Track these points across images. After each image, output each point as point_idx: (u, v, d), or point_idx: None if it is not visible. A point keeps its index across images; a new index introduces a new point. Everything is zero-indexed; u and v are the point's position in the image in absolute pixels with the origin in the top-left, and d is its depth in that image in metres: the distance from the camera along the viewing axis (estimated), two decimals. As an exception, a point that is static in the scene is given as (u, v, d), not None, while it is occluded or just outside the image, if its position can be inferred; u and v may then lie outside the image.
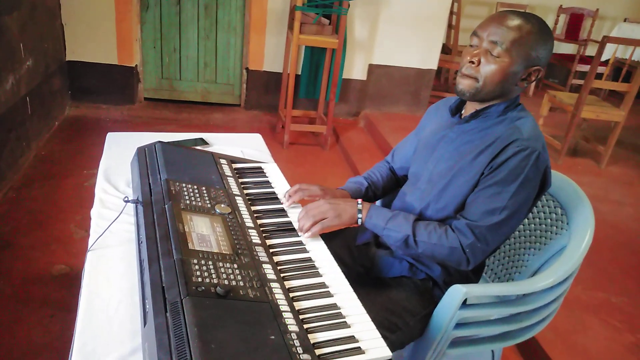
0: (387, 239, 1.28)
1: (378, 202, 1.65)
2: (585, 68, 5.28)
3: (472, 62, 1.19)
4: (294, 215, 1.33)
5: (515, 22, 1.15)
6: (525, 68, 1.18)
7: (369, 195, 1.51)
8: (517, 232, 1.57)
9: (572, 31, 5.67)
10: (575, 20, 5.63)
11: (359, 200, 1.30)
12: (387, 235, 1.27)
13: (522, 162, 1.16)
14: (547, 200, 1.48)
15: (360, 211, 1.28)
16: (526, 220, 1.54)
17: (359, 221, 1.29)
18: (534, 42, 1.15)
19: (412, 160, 1.45)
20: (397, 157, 1.55)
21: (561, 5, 5.64)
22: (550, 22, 5.86)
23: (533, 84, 5.47)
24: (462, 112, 1.32)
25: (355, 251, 1.47)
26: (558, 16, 5.65)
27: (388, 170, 1.57)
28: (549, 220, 1.47)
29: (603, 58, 3.63)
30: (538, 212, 1.51)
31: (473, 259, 1.22)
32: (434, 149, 1.34)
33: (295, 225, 1.29)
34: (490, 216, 1.18)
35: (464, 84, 1.22)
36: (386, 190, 1.55)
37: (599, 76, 3.75)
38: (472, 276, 1.39)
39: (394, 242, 1.27)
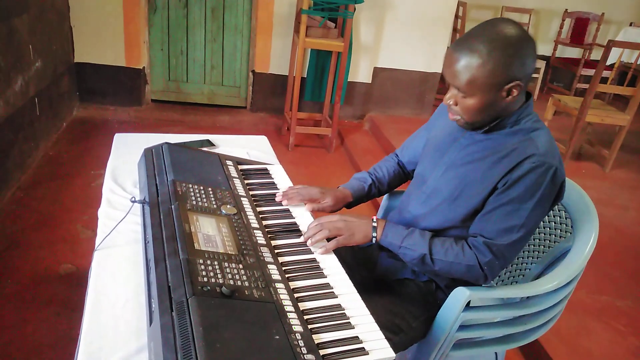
0: (403, 257, 1.27)
1: (385, 197, 1.65)
2: (590, 72, 5.27)
3: (450, 104, 1.19)
4: (299, 217, 1.34)
5: (462, 61, 1.09)
6: (498, 92, 1.12)
7: (373, 192, 1.51)
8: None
9: (578, 35, 5.67)
10: (581, 25, 5.63)
11: (374, 218, 1.28)
12: (404, 254, 1.25)
13: (540, 179, 1.13)
14: (551, 204, 1.49)
15: (374, 229, 1.26)
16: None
17: (374, 240, 1.27)
18: (492, 69, 1.08)
19: (420, 158, 1.43)
20: (406, 151, 1.54)
21: (566, 10, 5.63)
22: (555, 26, 5.86)
23: (538, 87, 5.48)
24: None
25: (358, 253, 1.47)
26: (563, 20, 5.65)
27: (396, 165, 1.56)
28: (553, 223, 1.48)
29: (608, 62, 3.63)
30: (542, 216, 1.51)
31: (491, 275, 1.21)
32: (443, 153, 1.31)
33: (301, 227, 1.29)
34: (509, 234, 1.17)
35: (455, 120, 1.22)
36: (392, 185, 1.54)
37: (604, 80, 3.75)
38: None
39: (410, 260, 1.25)
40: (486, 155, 1.21)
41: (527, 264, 1.53)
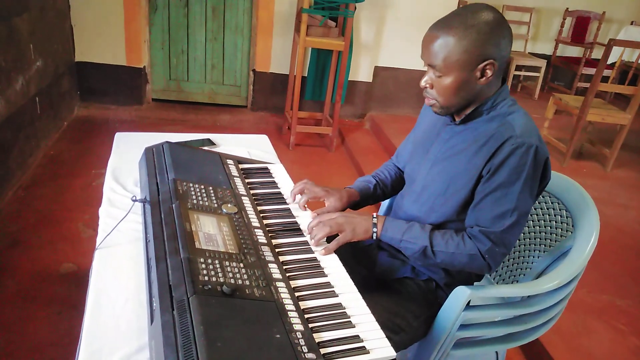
0: (404, 250, 1.27)
1: (386, 202, 1.66)
2: (591, 71, 5.26)
3: (426, 87, 1.21)
4: (300, 216, 1.34)
5: (439, 39, 1.13)
6: (472, 71, 1.14)
7: (378, 193, 1.51)
8: (522, 234, 1.57)
9: (578, 34, 5.66)
10: (582, 23, 5.62)
11: (374, 214, 1.29)
12: (405, 248, 1.26)
13: (522, 160, 1.13)
14: (552, 203, 1.49)
15: (375, 225, 1.27)
16: (531, 222, 1.55)
17: (374, 235, 1.27)
18: (467, 46, 1.11)
19: (408, 161, 1.44)
20: (400, 157, 1.56)
21: (567, 8, 5.62)
22: (556, 25, 5.85)
23: (538, 86, 5.48)
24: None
25: (358, 253, 1.47)
26: (564, 19, 5.64)
27: (395, 168, 1.57)
28: (554, 222, 1.48)
29: (609, 61, 3.63)
30: (543, 215, 1.51)
31: (494, 264, 1.21)
32: (427, 150, 1.33)
33: (302, 227, 1.29)
34: (502, 220, 1.17)
35: (431, 106, 1.24)
36: (395, 188, 1.55)
37: (605, 79, 3.74)
38: (474, 277, 1.39)
39: (411, 253, 1.25)
40: (467, 146, 1.22)
41: (527, 263, 1.53)
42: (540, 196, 1.52)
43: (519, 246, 1.58)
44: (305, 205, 1.39)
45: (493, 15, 1.12)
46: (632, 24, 5.76)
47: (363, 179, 1.53)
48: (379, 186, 1.51)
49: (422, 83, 1.21)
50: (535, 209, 1.54)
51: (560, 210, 1.46)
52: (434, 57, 1.14)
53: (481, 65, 1.13)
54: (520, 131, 1.15)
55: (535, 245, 1.52)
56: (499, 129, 1.17)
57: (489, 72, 1.14)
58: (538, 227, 1.52)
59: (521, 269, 1.55)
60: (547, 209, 1.50)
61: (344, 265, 1.18)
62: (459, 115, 1.26)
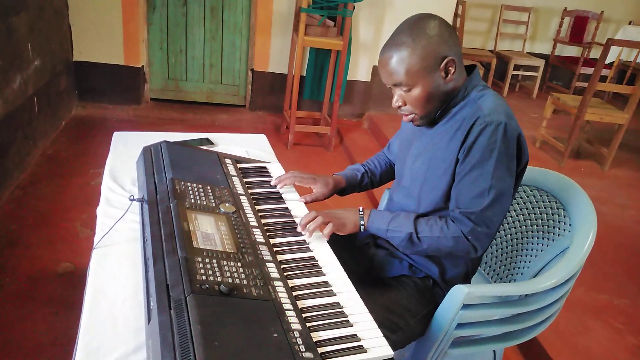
0: (392, 240, 1.29)
1: (385, 199, 1.68)
2: (589, 71, 5.27)
3: (400, 106, 1.24)
4: (299, 216, 1.34)
5: (394, 57, 1.17)
6: (435, 72, 1.18)
7: (365, 182, 1.55)
8: (520, 233, 1.57)
9: (577, 34, 5.66)
10: (580, 23, 5.62)
11: (360, 208, 1.32)
12: (392, 237, 1.28)
13: (492, 138, 1.15)
14: (549, 202, 1.49)
15: (362, 217, 1.31)
16: (529, 221, 1.55)
17: (362, 228, 1.31)
18: (422, 54, 1.16)
19: (396, 158, 1.48)
20: (391, 148, 1.60)
21: (566, 8, 5.63)
22: (554, 25, 5.86)
23: (537, 85, 5.48)
24: None
25: (355, 251, 1.48)
26: (562, 19, 5.65)
27: (387, 159, 1.61)
28: (551, 221, 1.48)
29: (607, 61, 3.63)
30: (541, 213, 1.51)
31: (479, 245, 1.22)
32: (410, 145, 1.37)
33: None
34: (480, 199, 1.19)
35: (412, 120, 1.27)
36: (384, 177, 1.59)
37: (603, 79, 3.74)
38: (470, 271, 1.40)
39: (398, 242, 1.28)
40: (444, 134, 1.25)
41: (525, 261, 1.54)
42: (538, 194, 1.53)
43: (517, 245, 1.58)
44: (302, 201, 1.43)
45: (432, 19, 1.18)
46: (630, 23, 5.77)
47: (353, 167, 1.57)
48: (367, 175, 1.55)
49: (394, 103, 1.25)
50: (532, 207, 1.54)
51: (557, 209, 1.46)
52: (396, 75, 1.19)
53: (442, 65, 1.17)
54: (488, 110, 1.18)
55: (532, 243, 1.53)
56: (469, 112, 1.21)
57: (451, 69, 1.18)
58: (535, 226, 1.52)
59: (519, 268, 1.56)
60: (545, 207, 1.50)
61: (342, 263, 1.19)
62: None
